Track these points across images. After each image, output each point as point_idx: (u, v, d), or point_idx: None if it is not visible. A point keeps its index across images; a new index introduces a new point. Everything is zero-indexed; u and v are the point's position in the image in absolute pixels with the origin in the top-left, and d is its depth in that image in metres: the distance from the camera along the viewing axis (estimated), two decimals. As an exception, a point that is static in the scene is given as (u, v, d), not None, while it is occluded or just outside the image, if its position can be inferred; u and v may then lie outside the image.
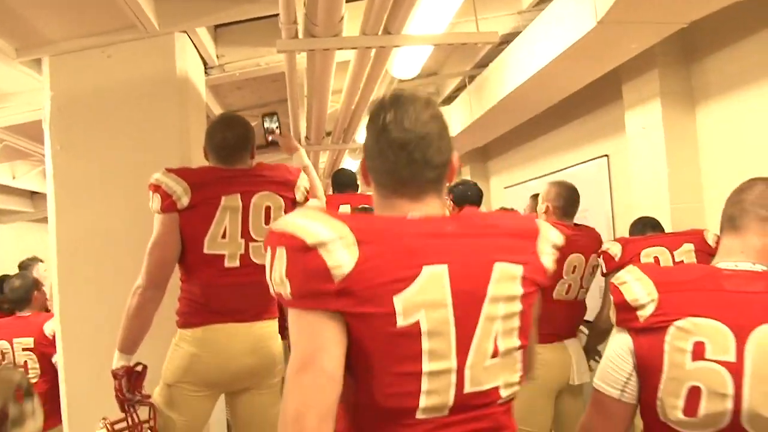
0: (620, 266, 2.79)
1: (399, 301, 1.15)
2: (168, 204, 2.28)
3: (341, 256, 1.12)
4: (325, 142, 6.00)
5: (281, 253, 1.16)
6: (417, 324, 1.16)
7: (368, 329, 1.15)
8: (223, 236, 2.35)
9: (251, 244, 2.40)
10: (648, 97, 4.02)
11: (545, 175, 6.02)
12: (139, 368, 2.31)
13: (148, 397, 2.33)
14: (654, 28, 3.33)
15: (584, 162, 5.27)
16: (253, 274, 2.37)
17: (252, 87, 5.43)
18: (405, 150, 1.28)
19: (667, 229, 3.83)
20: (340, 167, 5.42)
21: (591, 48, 3.49)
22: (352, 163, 8.53)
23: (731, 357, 1.35)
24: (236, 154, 2.48)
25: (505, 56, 4.55)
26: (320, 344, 1.14)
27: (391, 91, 1.40)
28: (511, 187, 6.95)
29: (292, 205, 2.53)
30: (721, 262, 1.53)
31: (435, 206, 1.31)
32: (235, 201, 2.36)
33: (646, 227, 3.30)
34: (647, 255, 3.06)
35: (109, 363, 2.29)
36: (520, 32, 4.22)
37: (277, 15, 2.88)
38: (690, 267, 1.88)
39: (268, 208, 2.43)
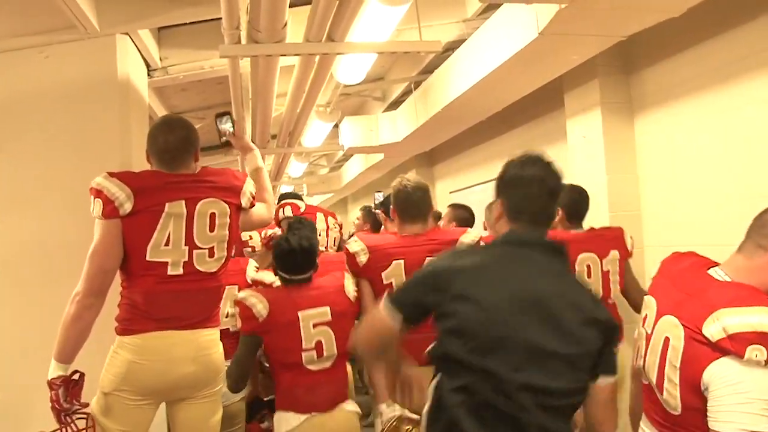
0: None
1: None
2: (110, 210, 2.21)
3: None
4: (270, 146, 5.98)
5: None
6: None
7: None
8: (167, 243, 2.30)
9: (195, 252, 2.36)
10: (589, 107, 4.11)
11: (489, 181, 6.08)
12: (76, 377, 2.24)
13: (86, 406, 2.26)
14: (594, 41, 3.41)
15: (527, 168, 5.34)
16: (196, 282, 2.36)
17: (197, 89, 5.38)
18: None
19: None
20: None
21: (533, 58, 3.55)
22: (298, 165, 8.50)
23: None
24: (179, 158, 2.42)
25: (450, 63, 4.59)
26: None
27: None
28: (457, 192, 7.02)
29: (237, 210, 2.51)
30: (715, 267, 1.94)
31: None
32: (180, 207, 2.31)
33: (576, 217, 3.31)
34: (581, 262, 3.17)
35: (45, 372, 2.22)
36: (465, 40, 4.27)
37: (220, 18, 2.87)
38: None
39: (213, 215, 2.39)
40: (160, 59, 3.69)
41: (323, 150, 8.20)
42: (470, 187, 6.63)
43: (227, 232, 2.45)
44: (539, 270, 1.77)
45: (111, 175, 2.25)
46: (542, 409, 1.62)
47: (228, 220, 2.45)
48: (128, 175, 2.29)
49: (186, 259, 2.34)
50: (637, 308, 3.29)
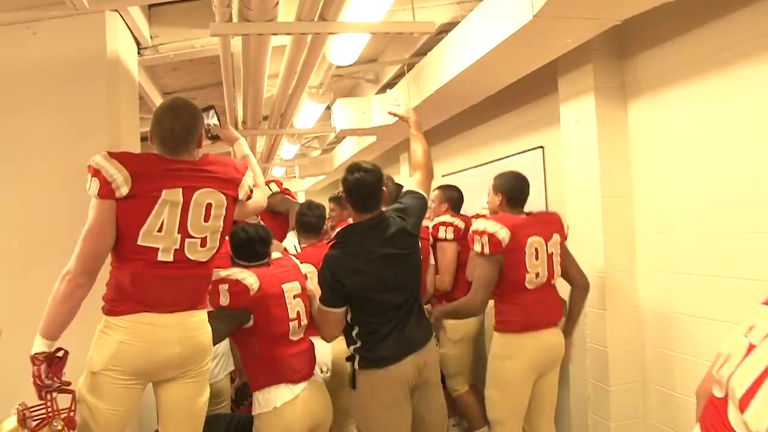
0: (505, 251, 3.34)
1: None
2: (106, 191, 2.23)
3: None
4: (262, 127, 5.95)
5: None
6: None
7: None
8: (159, 230, 2.32)
9: (187, 240, 2.38)
10: (582, 91, 4.10)
11: (482, 165, 6.10)
12: (60, 354, 2.25)
13: (68, 384, 2.28)
14: (588, 24, 3.39)
15: (520, 153, 5.35)
16: (185, 269, 2.40)
17: (188, 68, 5.34)
18: None
19: (598, 220, 3.96)
20: None
21: (527, 41, 3.54)
22: (289, 147, 8.48)
23: None
24: (182, 145, 2.43)
25: (443, 45, 4.57)
26: None
27: None
28: (449, 176, 7.01)
29: (233, 202, 2.53)
30: None
31: None
32: (176, 195, 2.33)
33: (517, 203, 3.59)
34: (531, 245, 3.40)
35: (28, 348, 2.23)
36: (459, 22, 4.25)
37: (212, -3, 2.85)
38: None
39: (209, 205, 2.42)
40: (151, 37, 3.66)
41: (315, 132, 8.18)
42: (463, 170, 6.62)
43: (222, 223, 2.49)
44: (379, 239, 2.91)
45: (111, 155, 2.26)
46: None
47: (224, 211, 2.49)
48: (128, 156, 2.29)
49: (177, 246, 2.37)
50: (574, 284, 3.67)
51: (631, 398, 3.97)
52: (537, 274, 3.40)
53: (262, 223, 4.00)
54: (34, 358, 2.21)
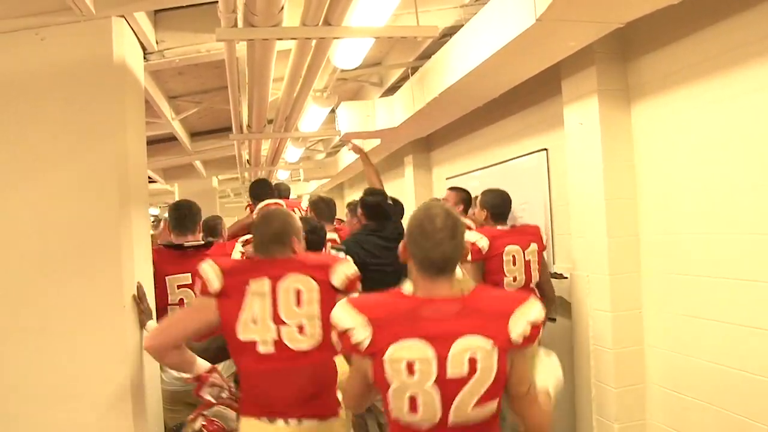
0: (485, 258, 3.91)
1: None
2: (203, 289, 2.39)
3: None
4: (266, 130, 5.95)
5: None
6: None
7: None
8: (254, 321, 2.34)
9: (283, 328, 2.35)
10: (586, 94, 4.11)
11: (487, 167, 6.11)
12: (203, 376, 2.50)
13: (210, 402, 2.53)
14: (592, 27, 3.40)
15: (524, 155, 5.36)
16: (289, 360, 2.35)
17: (193, 73, 5.36)
18: None
19: (602, 222, 3.96)
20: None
21: (530, 44, 3.54)
22: (294, 151, 8.48)
23: None
24: (273, 248, 2.50)
25: (447, 49, 4.58)
26: None
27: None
28: (453, 178, 7.02)
29: (329, 287, 2.43)
30: None
31: None
32: (262, 285, 2.36)
33: (500, 217, 4.12)
34: (508, 253, 3.96)
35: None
36: (462, 26, 4.26)
37: (217, 1, 2.86)
38: None
39: (298, 291, 2.39)
40: (157, 42, 3.66)
41: (320, 135, 8.19)
42: (467, 173, 6.63)
43: (317, 307, 2.39)
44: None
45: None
46: None
47: (317, 295, 2.40)
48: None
49: (275, 336, 2.35)
50: (541, 293, 4.08)
51: (635, 400, 3.97)
52: (515, 278, 3.95)
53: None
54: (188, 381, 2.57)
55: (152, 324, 2.98)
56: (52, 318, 2.78)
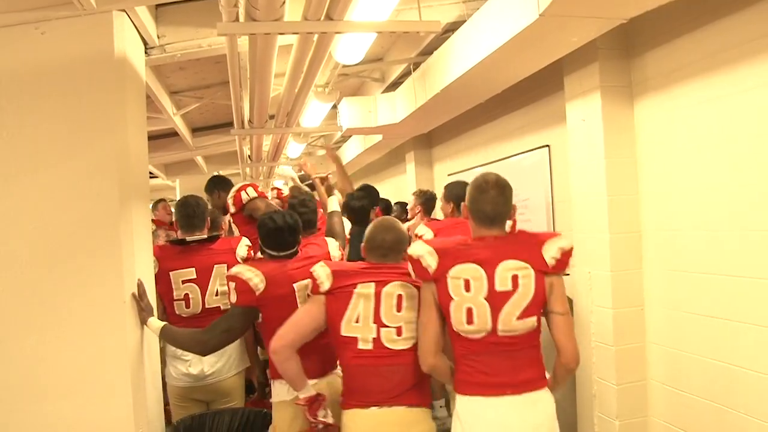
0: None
1: None
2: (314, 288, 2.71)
3: None
4: (268, 126, 5.95)
5: None
6: None
7: None
8: (357, 320, 2.65)
9: (383, 329, 2.65)
10: (588, 90, 4.09)
11: (489, 164, 6.10)
12: (319, 398, 2.69)
13: (330, 423, 2.68)
14: (595, 23, 3.39)
15: (526, 151, 5.35)
16: (385, 357, 2.65)
17: (194, 68, 5.36)
18: None
19: (604, 218, 3.95)
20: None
21: (533, 40, 3.53)
22: (296, 146, 8.47)
23: None
24: (389, 255, 2.80)
25: (449, 44, 4.57)
26: None
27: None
28: (455, 174, 7.00)
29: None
30: None
31: None
32: (369, 289, 2.67)
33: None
34: None
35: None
36: (465, 21, 4.25)
37: (219, -4, 2.85)
38: None
39: (399, 297, 2.68)
40: (158, 37, 3.66)
41: (321, 131, 8.18)
42: (469, 169, 6.61)
43: (415, 314, 2.67)
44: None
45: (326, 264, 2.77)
46: None
47: (416, 303, 2.67)
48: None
49: (375, 335, 2.65)
50: None
51: (637, 397, 3.96)
52: None
53: (234, 227, 4.01)
54: (297, 402, 2.70)
55: (154, 321, 2.98)
56: (52, 314, 2.78)
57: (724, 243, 3.37)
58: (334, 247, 3.26)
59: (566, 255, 2.48)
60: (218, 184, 4.70)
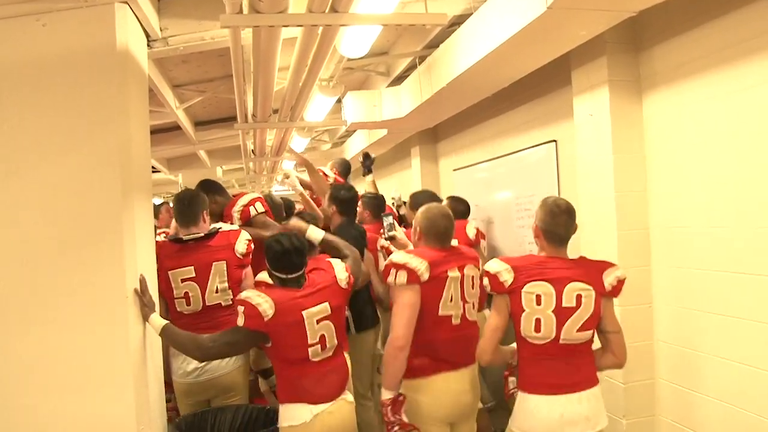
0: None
1: None
2: (413, 278, 3.04)
3: None
4: (272, 120, 5.93)
5: None
6: None
7: None
8: (451, 300, 3.14)
9: (466, 305, 3.22)
10: (596, 84, 4.07)
11: (494, 158, 6.08)
12: (401, 398, 3.02)
13: (408, 424, 2.99)
14: (603, 16, 3.36)
15: (533, 147, 5.33)
16: (467, 328, 3.23)
17: (198, 61, 5.33)
18: None
19: (612, 215, 3.94)
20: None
21: (541, 33, 3.51)
22: (300, 141, 8.45)
23: None
24: (448, 238, 3.30)
25: (455, 38, 4.55)
26: None
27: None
28: (461, 170, 6.99)
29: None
30: None
31: None
32: (456, 272, 3.16)
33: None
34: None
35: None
36: (471, 14, 4.22)
37: (222, -12, 2.83)
38: None
39: (472, 277, 3.26)
40: (160, 29, 3.63)
41: (326, 125, 8.17)
42: (475, 164, 6.60)
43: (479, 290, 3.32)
44: None
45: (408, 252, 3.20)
46: None
47: (477, 281, 3.29)
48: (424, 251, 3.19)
49: (462, 311, 3.20)
50: None
51: (645, 395, 3.95)
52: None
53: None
54: (383, 403, 3.01)
55: (156, 319, 2.97)
56: (52, 310, 2.77)
57: (734, 240, 3.35)
58: (340, 269, 3.24)
59: (621, 283, 2.97)
60: (211, 189, 4.36)
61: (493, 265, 2.93)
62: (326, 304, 3.03)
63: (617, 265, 3.00)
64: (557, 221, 2.93)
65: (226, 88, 5.88)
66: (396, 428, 2.96)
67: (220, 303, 3.60)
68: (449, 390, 3.16)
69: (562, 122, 4.85)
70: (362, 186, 5.89)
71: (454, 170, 7.17)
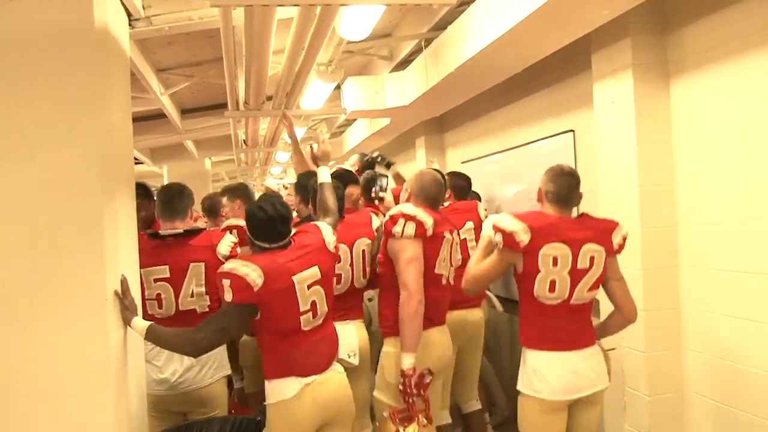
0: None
1: None
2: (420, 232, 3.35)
3: None
4: (265, 108, 5.92)
5: None
6: None
7: None
8: (444, 261, 3.52)
9: (452, 269, 3.64)
10: (619, 69, 4.03)
11: (506, 150, 6.04)
12: (428, 378, 3.22)
13: (428, 403, 3.23)
14: (627, -7, 3.34)
15: (548, 137, 5.29)
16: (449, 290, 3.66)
17: (185, 43, 5.31)
18: None
19: (635, 211, 3.90)
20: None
21: (559, 12, 3.48)
22: (296, 130, 8.42)
23: None
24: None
25: (465, 18, 4.52)
26: None
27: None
28: (469, 162, 6.96)
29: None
30: None
31: None
32: (450, 235, 3.57)
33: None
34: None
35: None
36: (483, -8, 4.20)
37: (211, -38, 2.80)
38: None
39: (462, 242, 3.97)
40: (143, 8, 3.60)
41: (324, 113, 8.15)
42: (485, 156, 6.56)
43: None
44: None
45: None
46: None
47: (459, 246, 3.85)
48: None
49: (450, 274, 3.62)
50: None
51: (672, 409, 3.92)
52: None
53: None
54: (405, 373, 3.20)
55: (138, 321, 2.93)
56: (26, 314, 2.72)
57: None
58: (328, 232, 3.21)
59: (624, 240, 3.24)
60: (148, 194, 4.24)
61: (509, 223, 3.10)
62: (316, 268, 3.01)
63: (620, 224, 3.27)
64: (560, 182, 3.18)
65: (216, 72, 5.85)
66: (414, 401, 3.20)
67: (194, 309, 3.52)
68: (439, 344, 3.55)
69: (580, 110, 4.81)
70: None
71: (463, 162, 7.14)
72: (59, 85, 2.77)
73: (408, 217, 3.34)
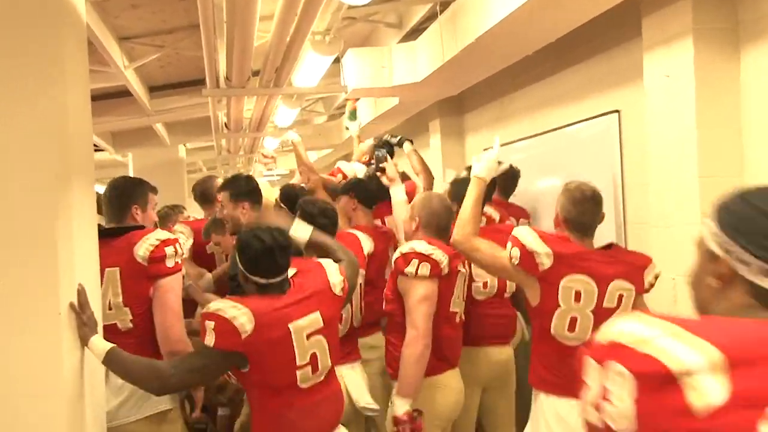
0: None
1: None
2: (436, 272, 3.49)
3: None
4: (251, 85, 5.90)
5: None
6: None
7: None
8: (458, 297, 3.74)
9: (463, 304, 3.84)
10: (675, 36, 3.98)
11: (537, 135, 6.03)
12: (419, 420, 3.37)
13: None
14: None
15: (588, 119, 5.29)
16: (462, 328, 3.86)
17: (152, 6, 5.31)
18: None
19: (695, 207, 3.86)
20: None
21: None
22: (287, 112, 8.40)
23: None
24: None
25: (489, -24, 4.49)
26: None
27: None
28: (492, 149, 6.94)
29: None
30: None
31: None
32: (462, 268, 3.74)
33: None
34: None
35: None
36: (510, -56, 4.16)
37: None
38: None
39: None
40: (103, -37, 3.58)
41: (320, 92, 8.17)
42: (512, 142, 6.54)
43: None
44: None
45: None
46: None
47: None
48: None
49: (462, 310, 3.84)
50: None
51: None
52: (485, 284, 4.25)
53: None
54: (398, 419, 3.36)
55: (97, 342, 2.89)
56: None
57: None
58: (333, 272, 3.20)
59: (656, 279, 3.31)
60: None
61: (529, 239, 3.18)
62: (317, 315, 2.99)
63: (653, 261, 3.35)
64: (581, 209, 3.25)
65: (191, 42, 5.86)
66: None
67: (116, 324, 3.41)
68: (455, 389, 3.71)
69: (627, 87, 4.80)
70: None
71: (485, 149, 7.11)
72: (3, 58, 2.73)
73: (422, 258, 3.48)
